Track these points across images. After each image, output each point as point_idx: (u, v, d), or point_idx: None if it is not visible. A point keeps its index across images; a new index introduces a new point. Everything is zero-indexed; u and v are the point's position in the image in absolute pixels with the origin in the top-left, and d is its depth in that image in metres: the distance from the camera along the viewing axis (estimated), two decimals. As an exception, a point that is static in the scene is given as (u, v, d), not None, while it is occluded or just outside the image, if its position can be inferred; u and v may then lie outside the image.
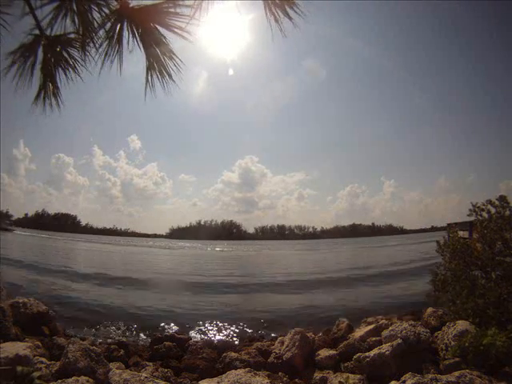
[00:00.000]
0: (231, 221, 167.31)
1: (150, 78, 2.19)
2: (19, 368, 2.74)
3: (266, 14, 2.05)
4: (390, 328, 5.51)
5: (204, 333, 8.62)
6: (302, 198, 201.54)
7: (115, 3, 2.05)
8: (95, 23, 2.05)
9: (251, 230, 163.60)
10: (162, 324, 9.20)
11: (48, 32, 2.13)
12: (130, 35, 2.09)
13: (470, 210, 6.09)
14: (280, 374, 5.21)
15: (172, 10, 2.01)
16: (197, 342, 6.62)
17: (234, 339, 7.89)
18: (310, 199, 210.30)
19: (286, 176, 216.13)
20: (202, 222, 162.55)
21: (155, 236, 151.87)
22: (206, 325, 9.18)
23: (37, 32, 2.12)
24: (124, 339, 6.93)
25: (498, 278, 5.28)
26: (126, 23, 2.06)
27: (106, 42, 2.09)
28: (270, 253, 52.36)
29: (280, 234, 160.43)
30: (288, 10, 2.02)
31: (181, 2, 2.00)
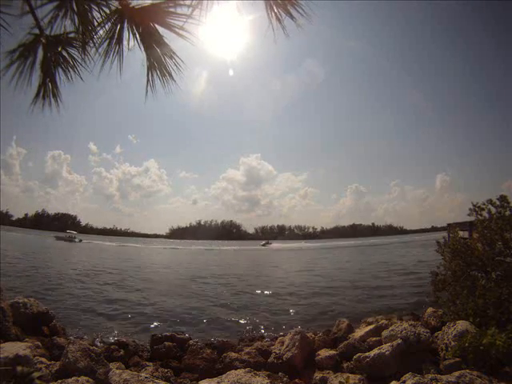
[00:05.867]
0: (231, 221, 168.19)
1: (150, 77, 2.19)
2: (19, 368, 2.73)
3: (268, 14, 2.04)
4: (390, 328, 5.51)
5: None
6: (306, 197, 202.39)
7: (115, 3, 2.04)
8: (95, 23, 2.05)
9: (251, 230, 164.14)
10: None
11: (48, 31, 2.12)
12: (131, 35, 2.09)
13: (471, 209, 6.08)
14: (280, 374, 5.21)
15: (172, 9, 2.01)
16: (197, 342, 6.62)
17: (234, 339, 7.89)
18: (314, 198, 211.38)
19: (291, 174, 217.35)
20: (202, 222, 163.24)
21: (155, 236, 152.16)
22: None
23: (36, 31, 2.11)
24: (124, 339, 6.92)
25: (498, 278, 5.27)
26: (126, 23, 2.06)
27: (107, 42, 2.09)
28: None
29: (280, 234, 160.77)
30: (290, 9, 2.01)
31: (181, 2, 1.99)
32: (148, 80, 2.20)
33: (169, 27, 2.05)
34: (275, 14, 2.02)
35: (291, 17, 2.00)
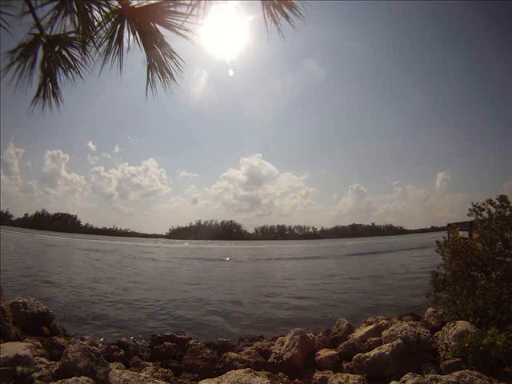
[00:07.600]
0: (231, 221, 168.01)
1: (150, 76, 2.20)
2: (19, 368, 2.73)
3: (264, 15, 2.04)
4: (390, 328, 5.51)
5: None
6: (307, 197, 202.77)
7: (115, 3, 2.05)
8: (95, 22, 2.05)
9: (251, 230, 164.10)
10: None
11: (48, 31, 2.13)
12: (131, 34, 2.09)
13: (470, 209, 6.09)
14: (280, 374, 5.20)
15: (172, 9, 2.01)
16: (197, 342, 6.61)
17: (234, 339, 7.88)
18: (315, 198, 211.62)
19: (292, 174, 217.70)
20: (202, 222, 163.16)
21: (155, 236, 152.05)
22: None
23: (36, 31, 2.11)
24: (124, 339, 6.92)
25: (499, 278, 5.27)
26: (126, 22, 2.06)
27: (107, 42, 2.09)
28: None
29: (280, 234, 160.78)
30: (286, 10, 2.01)
31: (181, 2, 1.99)
32: (148, 79, 2.21)
33: (169, 27, 2.05)
34: (271, 15, 2.03)
35: (287, 18, 2.01)
